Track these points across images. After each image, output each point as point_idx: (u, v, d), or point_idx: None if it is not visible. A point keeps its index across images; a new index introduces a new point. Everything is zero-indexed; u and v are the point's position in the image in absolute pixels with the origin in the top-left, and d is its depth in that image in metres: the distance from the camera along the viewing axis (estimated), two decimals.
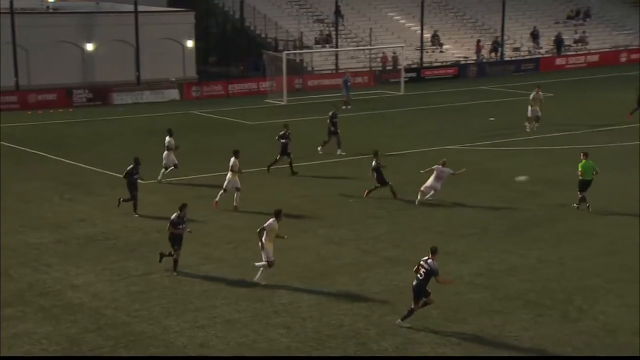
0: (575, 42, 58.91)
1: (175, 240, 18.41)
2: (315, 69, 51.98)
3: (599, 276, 17.94)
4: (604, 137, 32.62)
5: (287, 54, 46.78)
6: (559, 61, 56.75)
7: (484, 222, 22.21)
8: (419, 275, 15.36)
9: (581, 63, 56.97)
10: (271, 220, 17.68)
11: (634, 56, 58.13)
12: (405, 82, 48.26)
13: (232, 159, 23.51)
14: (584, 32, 59.96)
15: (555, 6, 63.75)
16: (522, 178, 24.93)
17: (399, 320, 15.54)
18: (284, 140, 27.24)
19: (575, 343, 14.73)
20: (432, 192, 23.77)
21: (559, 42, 57.66)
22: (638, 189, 24.55)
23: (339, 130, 30.66)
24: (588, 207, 22.47)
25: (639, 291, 16.98)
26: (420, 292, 15.36)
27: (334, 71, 51.79)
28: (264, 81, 47.43)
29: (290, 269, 18.85)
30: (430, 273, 15.25)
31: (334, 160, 29.86)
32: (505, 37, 57.00)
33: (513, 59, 56.42)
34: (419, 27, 55.46)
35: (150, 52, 47.59)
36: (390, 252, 19.96)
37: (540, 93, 34.54)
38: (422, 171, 24.07)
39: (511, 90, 47.10)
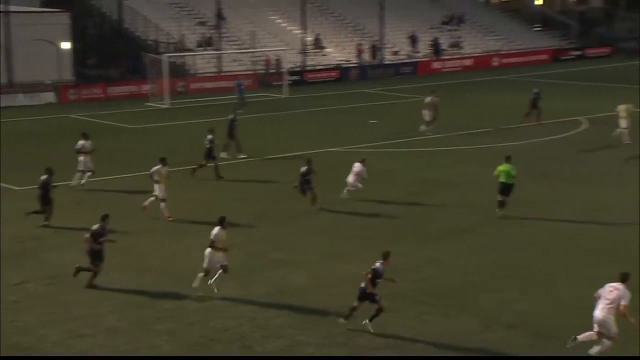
0: (451, 46, 60.74)
1: (96, 252, 17.52)
2: (198, 71, 51.38)
3: (478, 273, 18.46)
4: (484, 139, 33.60)
5: (169, 57, 46.02)
6: (436, 65, 58.33)
7: (371, 223, 22.49)
8: (369, 276, 15.31)
9: (456, 67, 58.75)
10: (217, 229, 17.19)
11: (504, 60, 60.48)
12: (289, 85, 48.45)
13: (159, 167, 22.80)
14: (458, 37, 61.91)
15: (430, 12, 65.56)
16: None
17: (341, 319, 15.32)
18: (209, 146, 26.97)
19: (455, 339, 15.05)
20: (351, 188, 24.06)
21: (436, 46, 59.32)
22: (517, 188, 25.38)
23: (235, 134, 30.31)
24: (504, 212, 22.21)
25: (515, 286, 17.60)
26: (364, 295, 15.25)
27: (217, 74, 51.38)
28: (145, 84, 46.44)
29: (175, 273, 18.48)
30: (375, 275, 15.21)
31: (228, 163, 29.37)
32: (385, 42, 58.16)
33: (392, 62, 57.62)
34: (301, 31, 55.81)
35: (23, 54, 45.71)
36: (276, 254, 19.89)
37: (435, 98, 34.91)
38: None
39: (391, 93, 48.05)
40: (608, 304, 13.80)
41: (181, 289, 17.41)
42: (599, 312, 13.89)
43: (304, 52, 54.77)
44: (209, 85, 49.16)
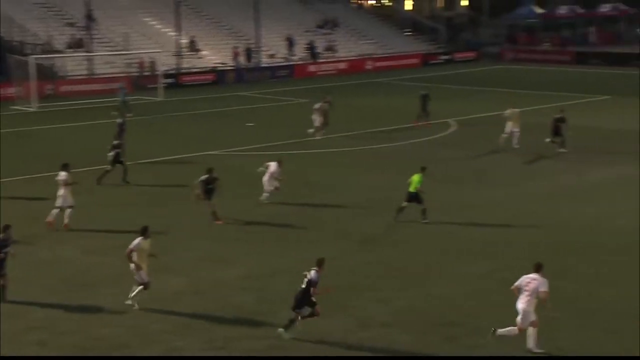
0: (325, 50, 61.44)
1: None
2: (68, 74, 49.66)
3: (355, 273, 18.65)
4: (361, 141, 34.04)
5: (36, 58, 44.26)
6: (312, 68, 58.83)
7: (255, 226, 22.34)
8: (302, 285, 15.06)
9: (331, 70, 59.45)
10: (138, 239, 16.43)
11: (378, 64, 61.75)
12: (164, 87, 47.63)
13: (63, 174, 21.83)
14: (333, 40, 62.67)
15: (305, 15, 66.12)
16: None
17: (280, 329, 14.99)
18: (118, 150, 26.45)
19: (331, 338, 15.13)
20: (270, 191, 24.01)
21: (312, 49, 59.88)
22: (384, 187, 25.93)
23: (123, 138, 29.35)
24: (423, 219, 22.19)
25: (391, 285, 17.91)
26: (301, 301, 14.99)
27: (89, 76, 49.84)
28: (10, 86, 44.46)
29: (47, 282, 17.78)
30: (310, 283, 14.97)
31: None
32: (261, 45, 58.19)
33: (269, 65, 57.70)
34: (175, 33, 54.99)
35: None
36: (154, 260, 19.39)
37: (324, 104, 34.34)
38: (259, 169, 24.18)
39: (268, 96, 48.10)
40: (528, 295, 14.35)
41: (52, 299, 16.74)
42: (521, 305, 14.42)
43: (179, 55, 54.00)
44: (80, 87, 47.70)
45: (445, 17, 76.73)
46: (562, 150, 30.53)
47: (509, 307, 14.76)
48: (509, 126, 31.49)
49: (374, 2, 77.45)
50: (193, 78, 53.00)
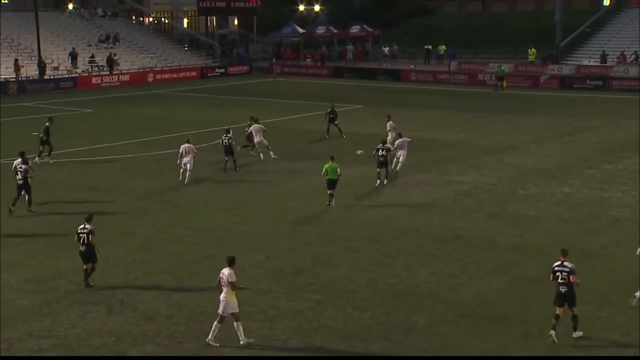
0: (108, 63, 59.36)
1: None
2: None
3: (139, 270, 18.23)
4: (138, 148, 33.28)
5: None
6: (95, 80, 56.58)
7: (29, 228, 20.99)
8: None
9: (115, 82, 57.55)
10: None
11: (159, 76, 60.67)
12: None
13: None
14: (114, 54, 60.66)
15: (87, 30, 63.51)
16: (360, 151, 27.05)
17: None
18: None
19: (119, 332, 14.73)
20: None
21: (109, 61, 58.03)
22: (162, 190, 25.57)
23: None
24: (331, 203, 22.90)
25: (170, 280, 17.64)
26: None
27: None
28: None
29: None
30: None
31: None
32: (45, 57, 54.94)
33: (53, 77, 54.65)
34: None
35: None
36: None
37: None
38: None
39: (53, 107, 45.51)
40: None
41: None
42: None
43: None
44: None
45: (219, 35, 76.95)
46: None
47: (278, 293, 15.05)
48: (390, 136, 29.84)
49: (152, 19, 75.90)
50: None
